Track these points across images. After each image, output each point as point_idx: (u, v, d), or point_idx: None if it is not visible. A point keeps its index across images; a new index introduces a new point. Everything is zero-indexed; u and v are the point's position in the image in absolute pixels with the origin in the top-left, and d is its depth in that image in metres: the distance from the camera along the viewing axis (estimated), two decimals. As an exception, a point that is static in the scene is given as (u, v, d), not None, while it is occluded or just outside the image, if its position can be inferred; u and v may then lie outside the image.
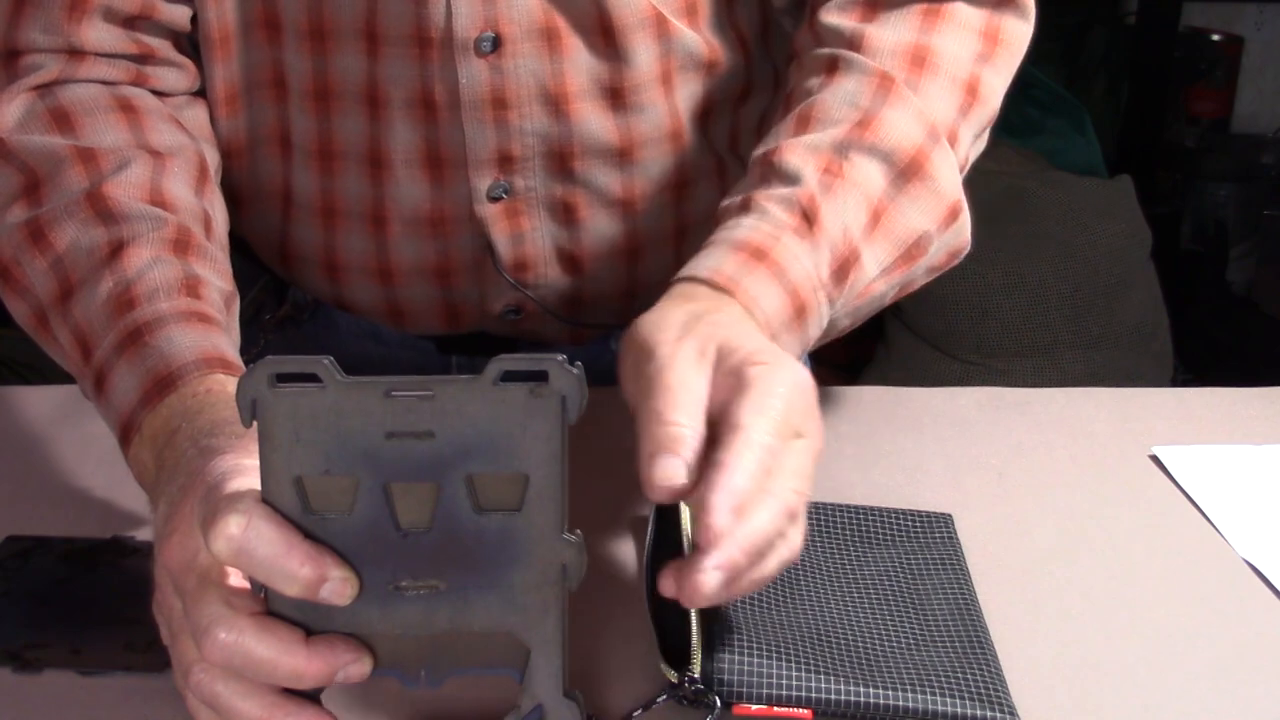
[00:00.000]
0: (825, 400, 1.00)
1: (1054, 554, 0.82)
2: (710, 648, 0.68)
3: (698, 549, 0.58)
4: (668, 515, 0.80)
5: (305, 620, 0.58)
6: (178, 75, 0.88)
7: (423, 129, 0.87)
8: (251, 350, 0.89)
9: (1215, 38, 3.18)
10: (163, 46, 0.86)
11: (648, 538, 0.79)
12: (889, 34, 0.81)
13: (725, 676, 0.67)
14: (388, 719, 0.66)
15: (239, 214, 0.94)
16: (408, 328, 0.96)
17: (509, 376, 0.55)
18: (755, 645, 0.69)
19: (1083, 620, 0.76)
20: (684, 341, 0.65)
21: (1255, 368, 2.45)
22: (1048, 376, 2.41)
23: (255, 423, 0.55)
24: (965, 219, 0.82)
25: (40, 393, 0.98)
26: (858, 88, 0.79)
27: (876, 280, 0.78)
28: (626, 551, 0.81)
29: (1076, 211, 2.49)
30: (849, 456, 0.92)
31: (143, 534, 0.81)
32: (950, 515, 0.83)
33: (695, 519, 0.59)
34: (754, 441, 0.60)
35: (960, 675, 0.69)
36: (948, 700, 0.67)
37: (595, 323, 0.96)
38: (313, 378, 0.55)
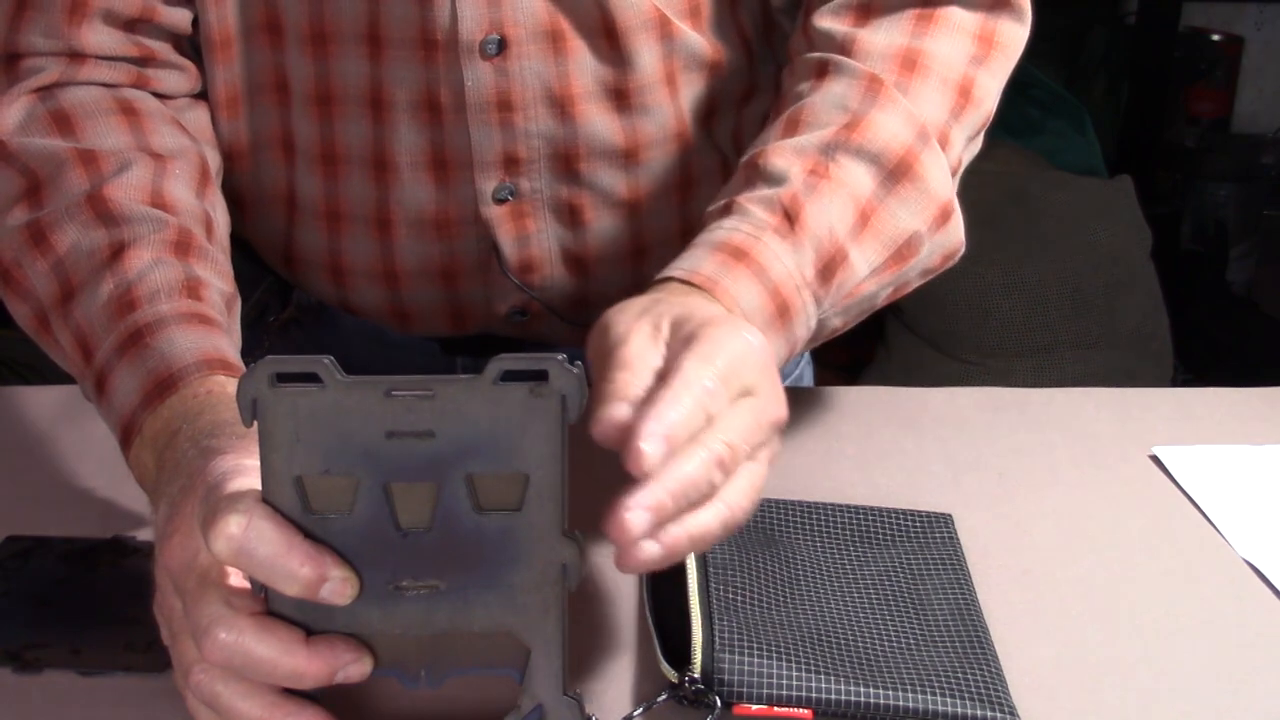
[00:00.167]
0: (825, 400, 1.00)
1: (1054, 554, 0.82)
2: (710, 648, 0.68)
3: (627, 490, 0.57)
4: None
5: (305, 620, 0.58)
6: (179, 78, 0.88)
7: (427, 132, 0.87)
8: (255, 353, 0.89)
9: (1215, 38, 3.18)
10: (163, 49, 0.86)
11: (648, 538, 0.79)
12: (880, 38, 0.81)
13: (725, 676, 0.67)
14: (388, 719, 0.66)
15: (242, 217, 0.94)
16: (413, 330, 0.96)
17: (509, 376, 0.55)
18: (755, 645, 0.69)
19: (1083, 620, 0.76)
20: (641, 319, 0.66)
21: (1255, 368, 2.45)
22: (1048, 376, 2.41)
23: (255, 423, 0.55)
24: (957, 220, 0.81)
25: (40, 393, 0.98)
26: (846, 90, 0.79)
27: (867, 280, 0.78)
28: (626, 551, 0.81)
29: (1076, 211, 2.50)
30: (849, 456, 0.92)
31: (143, 534, 0.81)
32: (950, 515, 0.83)
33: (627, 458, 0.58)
34: (691, 382, 0.59)
35: (960, 675, 0.69)
36: (948, 700, 0.67)
37: (593, 322, 0.96)
38: (313, 378, 0.55)
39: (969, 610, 0.74)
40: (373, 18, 0.84)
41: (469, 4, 0.83)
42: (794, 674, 0.67)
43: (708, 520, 0.59)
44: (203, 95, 0.90)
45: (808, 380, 1.11)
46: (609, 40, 0.85)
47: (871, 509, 0.83)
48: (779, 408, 0.64)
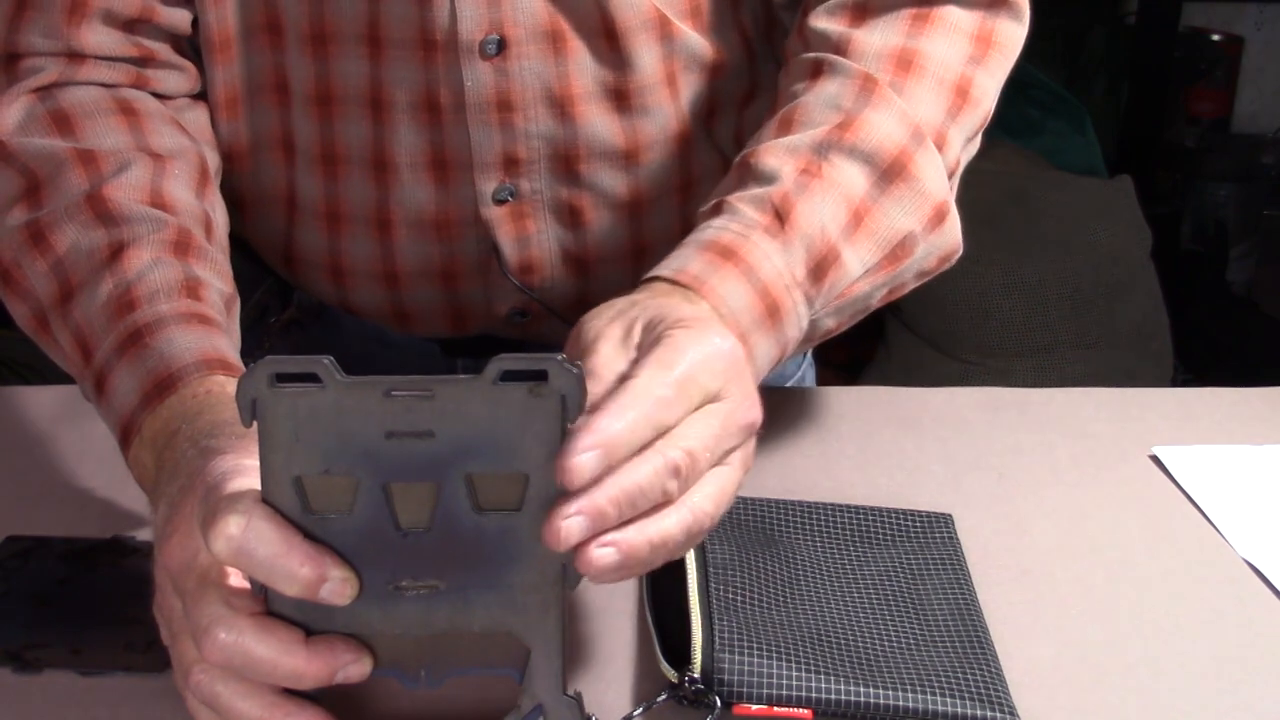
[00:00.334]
0: (825, 400, 1.00)
1: (1054, 554, 0.82)
2: (710, 647, 0.68)
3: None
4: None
5: (305, 620, 0.58)
6: (178, 78, 0.88)
7: (427, 132, 0.87)
8: (256, 353, 0.89)
9: (1215, 38, 3.18)
10: (163, 49, 0.86)
11: (648, 538, 0.79)
12: (876, 38, 0.81)
13: (725, 676, 0.67)
14: (388, 719, 0.66)
15: (242, 218, 0.94)
16: (413, 331, 0.96)
17: (509, 376, 0.55)
18: (755, 645, 0.69)
19: (1083, 620, 0.76)
20: (613, 324, 0.65)
21: (1255, 368, 2.45)
22: (1048, 376, 2.41)
23: (255, 423, 0.55)
24: (953, 221, 0.81)
25: (40, 393, 0.98)
26: (840, 90, 0.79)
27: (860, 281, 0.77)
28: (626, 551, 0.81)
29: (1076, 211, 2.50)
30: (849, 456, 0.92)
31: (143, 534, 0.81)
32: (950, 515, 0.83)
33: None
34: (640, 392, 0.58)
35: (960, 675, 0.69)
36: (948, 700, 0.67)
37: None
38: (312, 378, 0.55)
39: (969, 610, 0.74)
40: (372, 18, 0.84)
41: (468, 4, 0.83)
42: (794, 674, 0.67)
43: (668, 526, 0.59)
44: (202, 95, 0.90)
45: (810, 381, 1.11)
46: (609, 41, 0.85)
47: (871, 509, 0.83)
48: (750, 410, 0.63)
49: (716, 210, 0.76)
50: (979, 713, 0.67)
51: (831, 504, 0.83)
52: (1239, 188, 3.03)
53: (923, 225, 0.79)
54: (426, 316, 0.95)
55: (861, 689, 0.67)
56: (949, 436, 0.95)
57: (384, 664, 0.59)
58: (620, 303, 0.68)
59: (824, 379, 1.14)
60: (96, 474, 0.87)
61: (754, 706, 0.67)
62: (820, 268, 0.74)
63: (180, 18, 0.86)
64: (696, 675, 0.67)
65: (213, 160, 0.88)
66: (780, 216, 0.74)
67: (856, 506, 0.83)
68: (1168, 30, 3.08)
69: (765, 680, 0.67)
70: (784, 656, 0.68)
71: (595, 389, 0.60)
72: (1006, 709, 0.67)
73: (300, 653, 0.57)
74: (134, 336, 0.72)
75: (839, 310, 0.78)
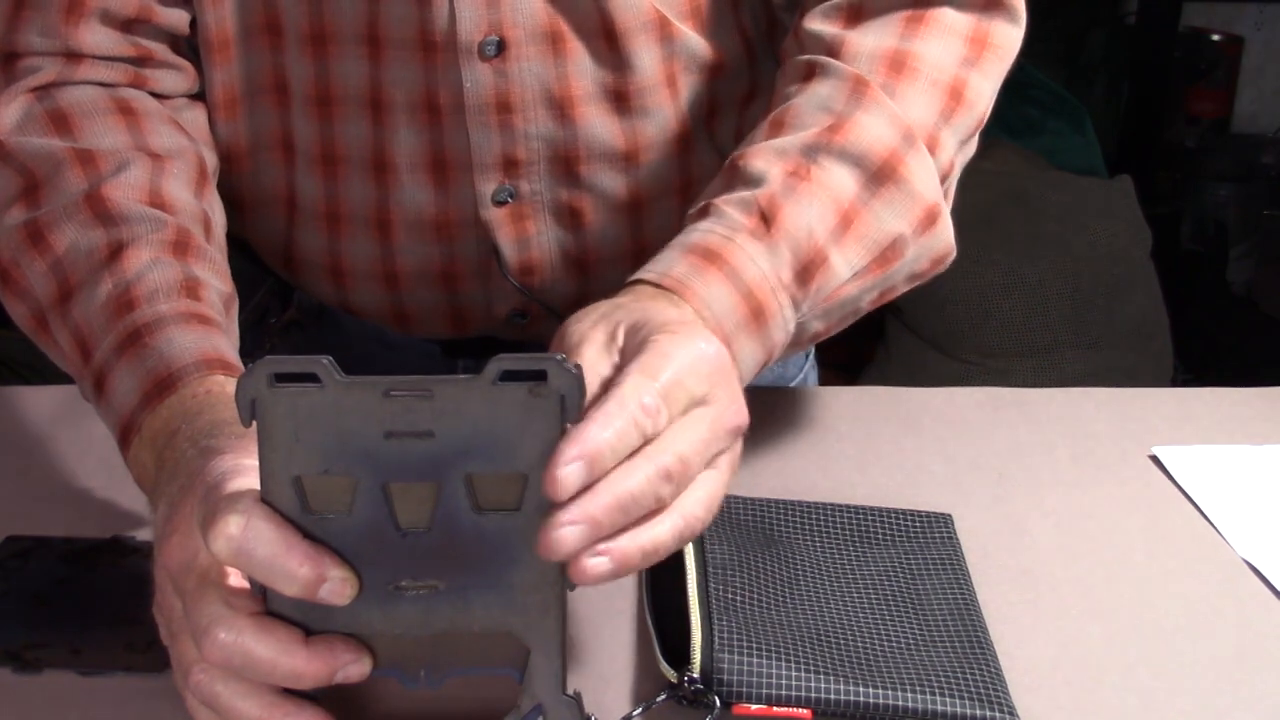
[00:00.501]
0: (825, 400, 1.00)
1: (1054, 554, 0.82)
2: (710, 647, 0.68)
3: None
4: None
5: (305, 620, 0.58)
6: (177, 78, 0.88)
7: (427, 133, 0.87)
8: (257, 354, 0.89)
9: (1215, 38, 3.18)
10: (161, 49, 0.86)
11: (647, 538, 0.79)
12: (869, 40, 0.80)
13: (725, 676, 0.67)
14: (388, 719, 0.66)
15: (242, 218, 0.94)
16: (413, 332, 0.96)
17: (508, 376, 0.55)
18: (755, 645, 0.69)
19: (1083, 620, 0.76)
20: (596, 328, 0.65)
21: (1255, 368, 2.45)
22: (1048, 376, 2.41)
23: (254, 422, 0.55)
24: (945, 224, 0.80)
25: (40, 393, 0.98)
26: (831, 92, 0.79)
27: (848, 284, 0.77)
28: (626, 551, 0.81)
29: (1076, 211, 2.50)
30: (849, 456, 0.92)
31: (143, 534, 0.81)
32: (950, 515, 0.83)
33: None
34: (626, 398, 0.58)
35: (960, 675, 0.69)
36: (948, 700, 0.67)
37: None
38: (312, 378, 0.55)
39: (969, 610, 0.74)
40: (372, 18, 0.84)
41: (468, 5, 0.83)
42: (793, 674, 0.67)
43: (660, 533, 0.59)
44: (200, 95, 0.90)
45: (812, 383, 1.11)
46: (608, 42, 0.85)
47: (871, 509, 0.83)
48: (737, 414, 0.63)
49: (703, 213, 0.76)
50: (979, 713, 0.67)
51: (831, 504, 0.83)
52: (1239, 188, 3.03)
53: (913, 228, 0.78)
54: (426, 317, 0.95)
55: (861, 689, 0.67)
56: (949, 436, 0.95)
57: (384, 664, 0.59)
58: (604, 306, 0.68)
59: (824, 379, 1.14)
60: (96, 474, 0.87)
61: (753, 706, 0.67)
62: (807, 270, 0.74)
63: (178, 18, 0.86)
64: (696, 675, 0.67)
65: (211, 160, 0.88)
66: (766, 219, 0.74)
67: (856, 506, 0.83)
68: (1168, 30, 3.08)
69: (765, 680, 0.67)
70: (784, 656, 0.68)
71: None
72: (1006, 709, 0.67)
73: (300, 653, 0.57)
74: (133, 336, 0.72)
75: (827, 313, 0.77)
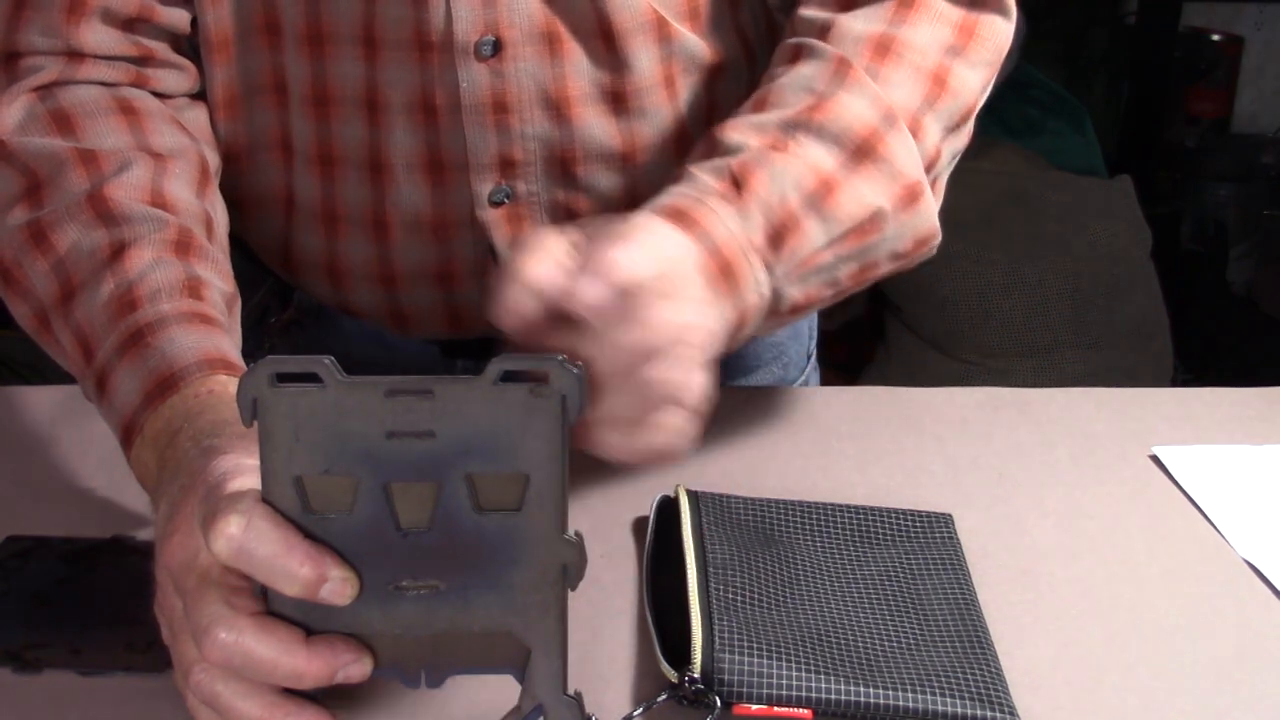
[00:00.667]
0: (825, 400, 1.00)
1: (1054, 554, 0.82)
2: (710, 647, 0.68)
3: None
4: (668, 516, 0.80)
5: (305, 620, 0.58)
6: (178, 77, 0.88)
7: (423, 133, 0.87)
8: (257, 354, 0.89)
9: (1215, 38, 3.18)
10: (162, 49, 0.86)
11: (648, 538, 0.79)
12: (858, 24, 0.81)
13: (725, 676, 0.67)
14: (388, 719, 0.67)
15: (241, 218, 0.94)
16: (411, 332, 0.96)
17: (509, 376, 0.55)
18: (755, 645, 0.69)
19: (1083, 620, 0.76)
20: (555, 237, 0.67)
21: (1255, 368, 2.45)
22: (1048, 376, 2.41)
23: (256, 422, 0.55)
24: (928, 204, 0.80)
25: (40, 393, 0.98)
26: (814, 73, 0.79)
27: (824, 250, 0.76)
28: (626, 551, 0.81)
29: (1076, 211, 2.49)
30: (849, 456, 0.92)
31: (143, 534, 0.81)
32: (950, 515, 0.83)
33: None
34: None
35: (960, 675, 0.69)
36: (948, 700, 0.67)
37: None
38: (313, 377, 0.55)
39: (969, 610, 0.74)
40: (368, 19, 0.84)
41: (464, 5, 0.83)
42: (794, 674, 0.67)
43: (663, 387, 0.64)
44: (202, 95, 0.90)
45: (813, 383, 1.11)
46: (605, 42, 0.85)
47: (871, 509, 0.83)
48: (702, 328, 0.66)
49: (677, 178, 0.76)
50: (979, 713, 0.67)
51: (831, 504, 0.83)
52: (1239, 188, 3.03)
53: (892, 203, 0.78)
54: (424, 318, 0.95)
55: (861, 689, 0.67)
56: (949, 436, 0.95)
57: (384, 664, 0.59)
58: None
59: (824, 379, 1.14)
60: (96, 474, 0.88)
61: (754, 706, 0.67)
62: (779, 235, 0.74)
63: (179, 17, 0.86)
64: (696, 675, 0.67)
65: (213, 159, 0.88)
66: (737, 183, 0.74)
67: (856, 506, 0.83)
68: (1168, 30, 3.08)
69: (765, 680, 0.67)
70: (784, 656, 0.68)
71: (532, 259, 0.65)
72: (1006, 709, 0.67)
73: (300, 652, 0.57)
74: (135, 336, 0.72)
75: (803, 279, 0.77)
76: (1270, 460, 0.93)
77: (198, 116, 0.89)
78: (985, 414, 0.99)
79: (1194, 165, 3.08)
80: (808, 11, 0.83)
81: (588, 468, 0.87)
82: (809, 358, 1.10)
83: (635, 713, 0.67)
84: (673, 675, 0.68)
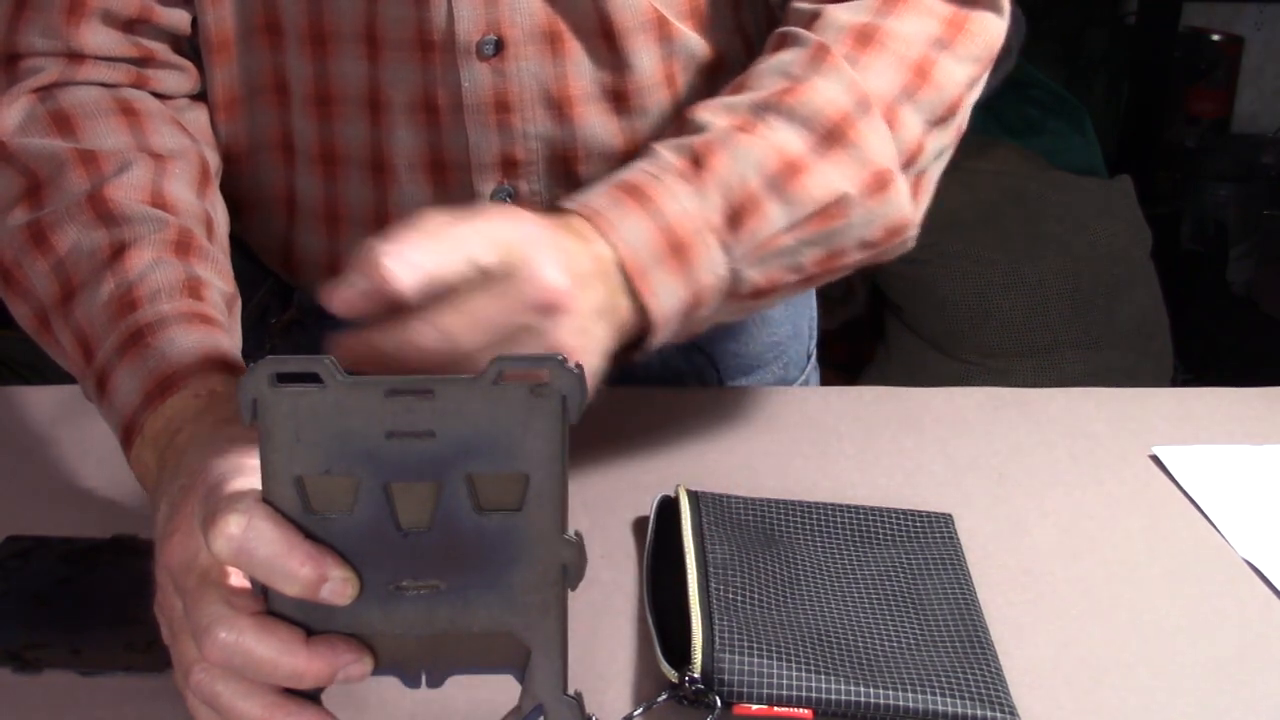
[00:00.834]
0: (825, 400, 1.00)
1: (1054, 554, 0.82)
2: (710, 647, 0.68)
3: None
4: (668, 516, 0.80)
5: (305, 620, 0.58)
6: (178, 78, 0.88)
7: (425, 133, 0.87)
8: (258, 354, 0.89)
9: (1215, 38, 3.18)
10: (162, 50, 0.86)
11: (648, 538, 0.79)
12: (844, 14, 0.81)
13: (725, 676, 0.67)
14: (388, 719, 0.66)
15: (242, 219, 0.94)
16: (412, 332, 0.96)
17: (509, 376, 0.55)
18: (755, 645, 0.69)
19: (1083, 620, 0.76)
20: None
21: (1255, 368, 2.45)
22: (1048, 376, 2.41)
23: (256, 422, 0.55)
24: (898, 193, 0.79)
25: (40, 393, 0.98)
26: (792, 58, 0.79)
27: (785, 234, 0.76)
28: (626, 551, 0.81)
29: (1076, 211, 2.50)
30: (849, 456, 0.93)
31: (143, 534, 0.81)
32: (950, 515, 0.83)
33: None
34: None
35: (960, 675, 0.69)
36: (948, 700, 0.67)
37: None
38: (313, 377, 0.55)
39: (969, 610, 0.74)
40: (370, 18, 0.84)
41: (466, 4, 0.83)
42: (794, 674, 0.67)
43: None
44: (202, 95, 0.90)
45: (813, 383, 1.11)
46: (607, 42, 0.85)
47: (871, 509, 0.83)
48: (537, 290, 0.63)
49: (640, 154, 0.76)
50: (979, 713, 0.67)
51: (831, 504, 0.83)
52: (1239, 188, 3.03)
53: (859, 189, 0.77)
54: (425, 317, 0.94)
55: (861, 689, 0.67)
56: (949, 436, 0.96)
57: (384, 664, 0.59)
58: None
59: (824, 379, 1.14)
60: (96, 474, 0.88)
61: (754, 706, 0.67)
62: (738, 215, 0.74)
63: (179, 18, 0.86)
64: (696, 675, 0.67)
65: (213, 160, 0.88)
66: (697, 162, 0.74)
67: (856, 506, 0.83)
68: (1168, 30, 3.08)
69: (765, 680, 0.67)
70: (784, 656, 0.68)
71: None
72: (1006, 709, 0.67)
73: (301, 652, 0.57)
74: (135, 336, 0.72)
75: (763, 261, 0.76)
76: (1270, 460, 0.93)
77: (198, 117, 0.89)
78: (985, 414, 0.99)
79: (1194, 165, 3.09)
80: (799, 3, 0.83)
81: (588, 468, 0.87)
82: (809, 358, 1.10)
83: (635, 713, 0.67)
84: (673, 675, 0.68)
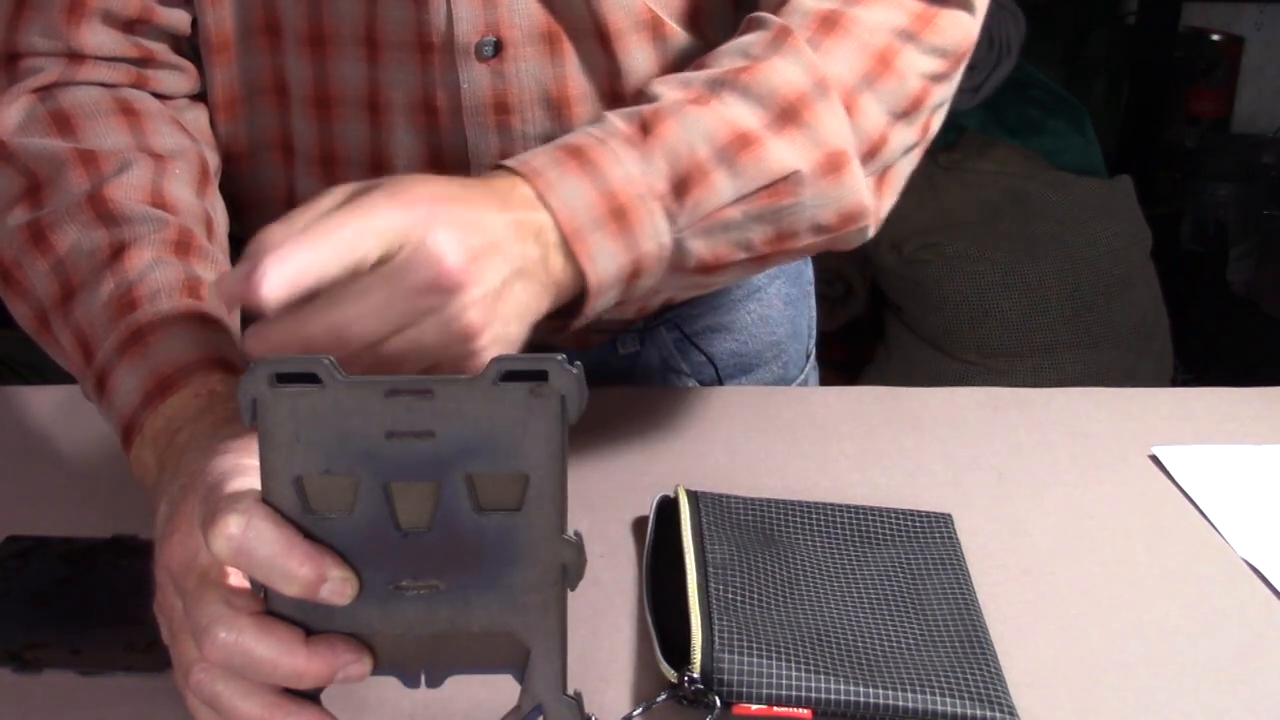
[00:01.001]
0: (825, 400, 1.00)
1: (1054, 554, 0.83)
2: (710, 647, 0.68)
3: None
4: (668, 516, 0.81)
5: (305, 620, 0.58)
6: (178, 78, 0.88)
7: (424, 134, 0.87)
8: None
9: (1215, 38, 3.18)
10: (162, 50, 0.86)
11: (647, 538, 0.79)
12: (812, 1, 0.80)
13: (725, 676, 0.67)
14: (388, 719, 0.66)
15: (241, 219, 0.94)
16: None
17: (509, 376, 0.55)
18: (755, 645, 0.69)
19: (1083, 620, 0.76)
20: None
21: (1255, 368, 2.45)
22: (1048, 376, 2.41)
23: (255, 422, 0.55)
24: (853, 176, 0.78)
25: (40, 393, 0.98)
26: (754, 40, 0.79)
27: (732, 206, 0.75)
28: (626, 551, 0.81)
29: (1076, 211, 2.50)
30: (849, 456, 0.93)
31: (143, 534, 0.81)
32: (950, 515, 0.83)
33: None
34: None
35: (960, 675, 0.69)
36: (948, 700, 0.67)
37: (601, 327, 0.96)
38: (313, 377, 0.55)
39: (969, 610, 0.74)
40: (369, 20, 0.84)
41: (465, 6, 0.83)
42: (794, 674, 0.67)
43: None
44: (202, 96, 0.90)
45: (813, 383, 1.11)
46: (601, 43, 0.85)
47: (871, 509, 0.83)
48: (427, 269, 0.63)
49: (592, 121, 0.76)
50: (979, 713, 0.67)
51: (831, 504, 0.83)
52: (1239, 188, 3.03)
53: (812, 168, 0.76)
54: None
55: (861, 689, 0.67)
56: (949, 436, 0.96)
57: (384, 664, 0.59)
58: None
59: (824, 379, 1.14)
60: (96, 474, 0.88)
61: (754, 706, 0.67)
62: (684, 183, 0.73)
63: (179, 18, 0.86)
64: (696, 675, 0.67)
65: (213, 160, 0.88)
66: (645, 129, 0.74)
67: (856, 506, 0.83)
68: (1168, 30, 3.08)
69: (765, 680, 0.67)
70: (784, 656, 0.68)
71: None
72: (1006, 709, 0.67)
73: (300, 652, 0.57)
74: (135, 336, 0.72)
75: (709, 233, 0.75)
76: (1270, 460, 0.93)
77: (198, 117, 0.89)
78: (985, 414, 0.99)
79: (1194, 165, 3.08)
80: None
81: (588, 468, 0.87)
82: (809, 357, 1.10)
83: (635, 713, 0.67)
84: (672, 675, 0.68)
